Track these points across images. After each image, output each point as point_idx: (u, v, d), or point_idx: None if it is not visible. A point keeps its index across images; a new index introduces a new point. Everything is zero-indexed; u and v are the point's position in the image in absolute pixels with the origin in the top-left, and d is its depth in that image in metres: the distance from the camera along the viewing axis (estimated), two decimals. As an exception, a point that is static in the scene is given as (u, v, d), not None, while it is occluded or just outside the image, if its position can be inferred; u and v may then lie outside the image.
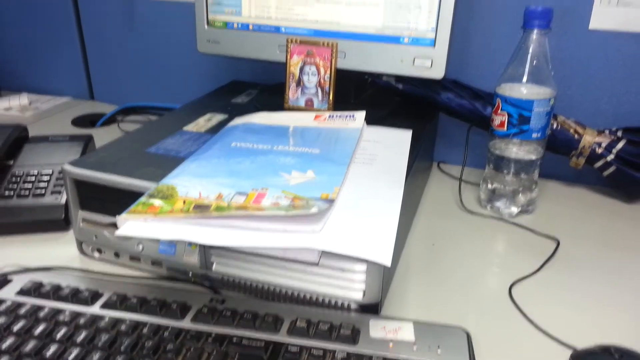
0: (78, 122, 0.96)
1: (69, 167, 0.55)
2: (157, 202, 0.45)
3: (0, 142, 0.71)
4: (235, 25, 0.75)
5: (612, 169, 0.69)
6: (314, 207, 0.43)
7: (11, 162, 0.71)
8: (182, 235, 0.42)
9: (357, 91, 0.77)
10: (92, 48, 1.05)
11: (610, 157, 0.68)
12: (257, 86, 0.88)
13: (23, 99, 1.04)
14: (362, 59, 0.68)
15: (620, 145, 0.68)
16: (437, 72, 0.65)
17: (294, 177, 0.50)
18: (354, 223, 0.43)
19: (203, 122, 0.70)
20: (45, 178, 0.67)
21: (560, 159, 0.74)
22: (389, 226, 0.43)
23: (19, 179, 0.67)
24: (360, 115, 0.66)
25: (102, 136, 0.88)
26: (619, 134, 0.69)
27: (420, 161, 0.67)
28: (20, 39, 1.10)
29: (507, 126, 0.63)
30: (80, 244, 0.58)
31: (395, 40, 0.66)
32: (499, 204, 0.68)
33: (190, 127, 0.68)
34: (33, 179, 0.67)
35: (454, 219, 0.67)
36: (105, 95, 1.08)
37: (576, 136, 0.69)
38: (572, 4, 0.72)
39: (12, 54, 1.12)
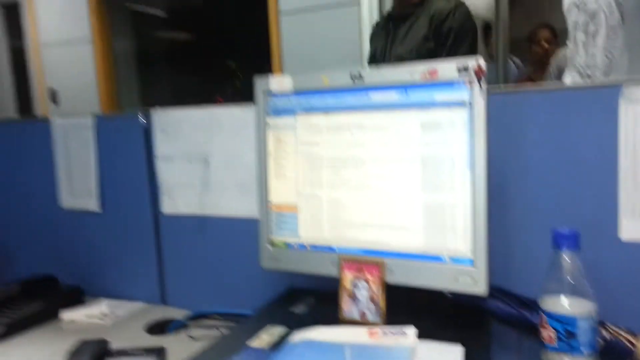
0: (151, 329, 1.05)
1: (147, 393, 0.61)
2: None
3: (87, 358, 0.79)
4: (294, 246, 0.86)
5: (677, 378, 0.67)
6: None
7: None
8: None
9: (409, 299, 0.82)
10: (167, 257, 1.19)
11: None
12: (313, 293, 0.95)
13: (103, 307, 1.16)
14: (408, 275, 0.75)
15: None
16: (480, 288, 0.70)
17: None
18: None
19: (266, 337, 0.76)
20: (123, 397, 0.73)
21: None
22: None
23: (99, 397, 0.73)
24: (411, 330, 0.70)
25: (174, 344, 0.95)
26: (675, 341, 0.69)
27: (475, 375, 0.68)
28: (103, 249, 1.26)
29: (556, 341, 0.65)
30: None
31: (436, 259, 0.74)
32: (563, 420, 0.66)
33: (255, 343, 0.74)
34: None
35: None
36: (177, 300, 1.18)
37: (630, 346, 0.69)
38: (598, 217, 0.78)
39: (95, 261, 1.28)
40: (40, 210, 1.35)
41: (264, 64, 2.88)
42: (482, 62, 0.71)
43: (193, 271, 1.16)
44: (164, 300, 1.20)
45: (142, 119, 1.19)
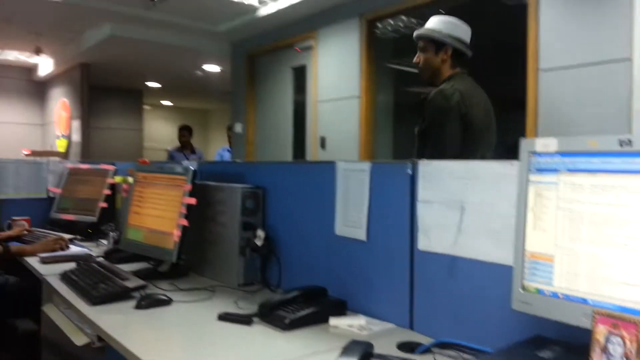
0: (401, 346, 1.22)
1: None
2: None
3: (360, 355, 1.00)
4: (546, 293, 0.92)
5: None
6: None
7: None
8: None
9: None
10: (418, 288, 1.36)
11: None
12: (560, 343, 0.98)
13: (361, 320, 1.39)
14: (673, 342, 0.74)
15: None
16: None
17: None
18: None
19: (512, 370, 0.85)
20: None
21: None
22: None
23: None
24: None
25: (421, 362, 1.10)
26: None
27: None
28: (365, 272, 1.50)
29: None
30: None
31: None
32: None
33: (502, 373, 0.83)
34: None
35: None
36: (422, 327, 1.33)
37: None
38: None
39: (358, 281, 1.53)
40: (319, 234, 1.68)
41: (517, 119, 2.90)
42: None
43: (440, 304, 1.30)
44: (411, 326, 1.37)
45: (408, 168, 1.41)
